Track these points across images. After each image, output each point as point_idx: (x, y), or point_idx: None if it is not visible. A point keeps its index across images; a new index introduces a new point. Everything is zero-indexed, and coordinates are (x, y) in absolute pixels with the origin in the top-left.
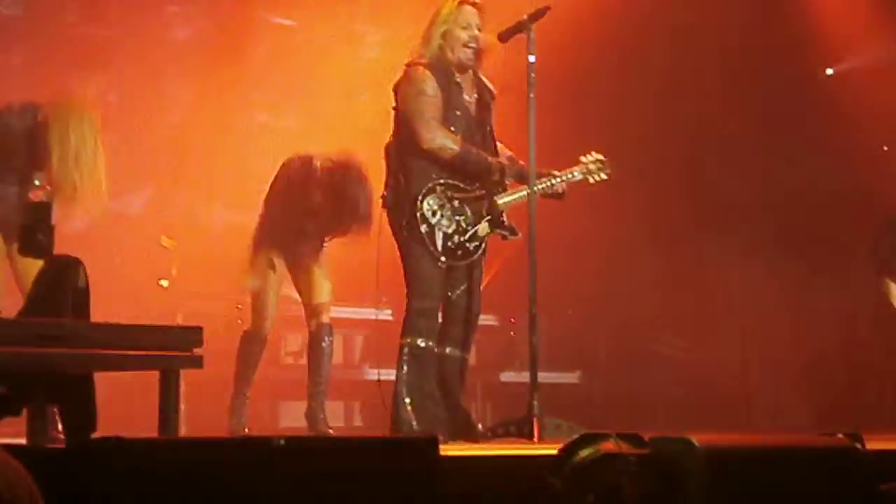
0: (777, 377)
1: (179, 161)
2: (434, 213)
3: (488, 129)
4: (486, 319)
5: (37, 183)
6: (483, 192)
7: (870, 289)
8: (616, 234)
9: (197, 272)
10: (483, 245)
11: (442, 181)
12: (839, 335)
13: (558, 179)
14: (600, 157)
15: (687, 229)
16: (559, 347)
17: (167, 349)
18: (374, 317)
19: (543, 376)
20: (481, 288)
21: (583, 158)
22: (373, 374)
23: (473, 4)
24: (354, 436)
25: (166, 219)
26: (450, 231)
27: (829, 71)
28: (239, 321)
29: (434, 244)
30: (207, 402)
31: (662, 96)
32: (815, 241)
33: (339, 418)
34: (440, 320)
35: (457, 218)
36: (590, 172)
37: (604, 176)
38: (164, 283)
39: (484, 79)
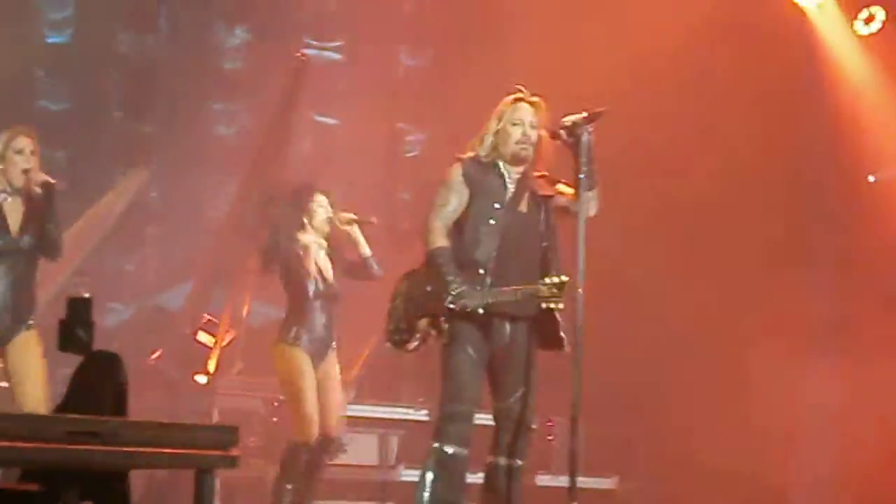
0: (821, 485)
1: (220, 256)
2: (398, 296)
3: (543, 227)
4: None
5: (77, 278)
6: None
7: None
8: (657, 338)
9: (235, 369)
10: (417, 339)
11: (420, 270)
12: (886, 441)
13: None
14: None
15: (728, 333)
16: (596, 452)
17: (203, 448)
18: (410, 416)
19: (580, 481)
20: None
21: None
22: (408, 475)
23: (530, 102)
24: None
25: (206, 314)
26: (400, 314)
27: (872, 178)
28: (275, 419)
29: (389, 323)
30: (243, 501)
31: (709, 201)
32: (862, 347)
33: None
34: (497, 428)
35: (412, 305)
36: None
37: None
38: (202, 378)
39: (540, 176)
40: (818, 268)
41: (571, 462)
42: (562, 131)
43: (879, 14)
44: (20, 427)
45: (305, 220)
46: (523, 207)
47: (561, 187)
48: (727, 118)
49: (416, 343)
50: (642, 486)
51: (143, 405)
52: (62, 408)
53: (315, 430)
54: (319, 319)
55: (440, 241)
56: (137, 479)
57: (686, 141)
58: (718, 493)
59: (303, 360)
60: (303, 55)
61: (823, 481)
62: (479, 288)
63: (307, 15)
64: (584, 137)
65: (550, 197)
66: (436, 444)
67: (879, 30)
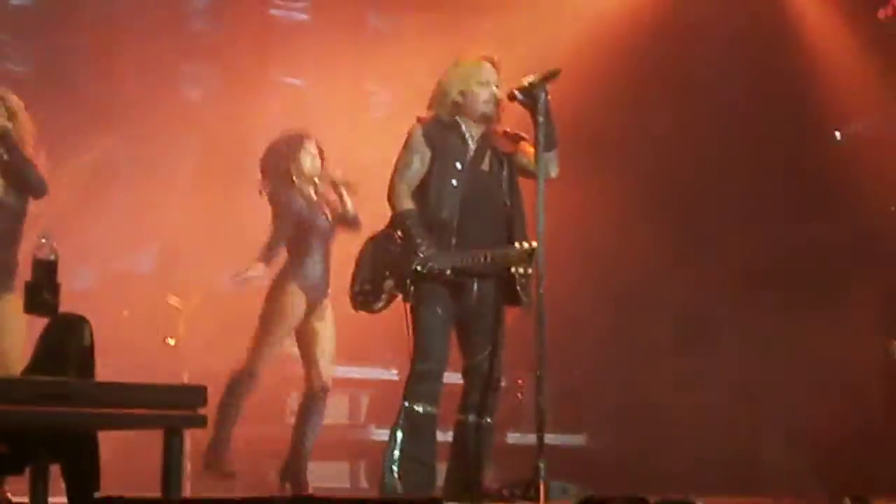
0: (785, 439)
1: (188, 219)
2: (363, 258)
3: (506, 186)
4: None
5: (43, 241)
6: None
7: (880, 351)
8: (623, 293)
9: (204, 331)
10: (383, 300)
11: (385, 231)
12: (849, 397)
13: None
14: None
15: (694, 289)
16: (565, 409)
17: (171, 408)
18: (380, 376)
19: (549, 438)
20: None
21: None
22: (378, 435)
23: (492, 62)
24: (358, 497)
25: (174, 277)
26: (366, 276)
27: (838, 134)
28: None
29: (353, 285)
30: None
31: (668, 158)
32: (827, 303)
33: (344, 478)
34: (466, 387)
35: (378, 266)
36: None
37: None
38: (171, 341)
39: (502, 133)
40: (785, 225)
41: (538, 420)
42: (518, 92)
43: None
44: None
45: (293, 167)
46: (485, 166)
47: (524, 145)
48: (692, 78)
49: (381, 304)
50: (611, 443)
51: (111, 368)
52: (29, 370)
53: (257, 366)
54: (315, 263)
55: (406, 203)
56: (105, 441)
57: (652, 100)
58: (687, 450)
59: (290, 303)
60: (269, 16)
61: (791, 434)
62: (445, 249)
63: None
64: (541, 97)
65: (513, 154)
66: (406, 403)
67: None
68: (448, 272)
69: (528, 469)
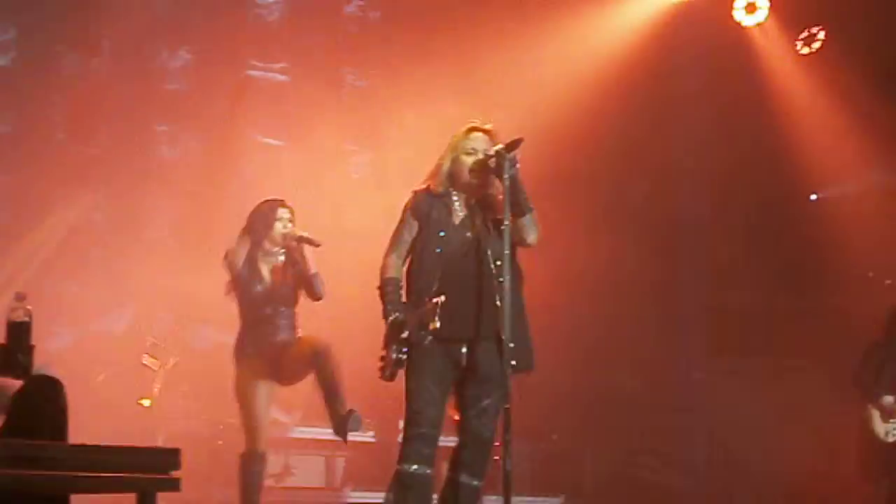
0: (762, 495)
1: (164, 279)
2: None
3: (492, 250)
4: None
5: (16, 303)
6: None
7: (853, 412)
8: (602, 357)
9: (179, 392)
10: (389, 368)
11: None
12: (823, 458)
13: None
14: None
15: (671, 350)
16: (542, 471)
17: (144, 471)
18: (356, 438)
19: (527, 501)
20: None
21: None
22: (354, 497)
23: (484, 131)
24: None
25: (149, 337)
26: (385, 348)
27: (814, 196)
28: (220, 442)
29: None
30: None
31: (642, 217)
32: (800, 364)
33: None
34: (460, 446)
35: (391, 338)
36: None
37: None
38: (146, 402)
39: (499, 200)
40: (758, 286)
41: (505, 483)
42: (487, 160)
43: (819, 34)
44: None
45: (264, 234)
46: (471, 233)
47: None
48: (668, 138)
49: (388, 372)
50: None
51: (86, 429)
52: (2, 433)
53: (257, 442)
54: (271, 329)
55: (389, 273)
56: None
57: (628, 160)
58: None
59: (252, 372)
60: (247, 76)
61: (764, 491)
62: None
63: (251, 36)
64: (505, 165)
65: (501, 220)
66: (399, 465)
67: (819, 49)
68: (425, 337)
69: None
